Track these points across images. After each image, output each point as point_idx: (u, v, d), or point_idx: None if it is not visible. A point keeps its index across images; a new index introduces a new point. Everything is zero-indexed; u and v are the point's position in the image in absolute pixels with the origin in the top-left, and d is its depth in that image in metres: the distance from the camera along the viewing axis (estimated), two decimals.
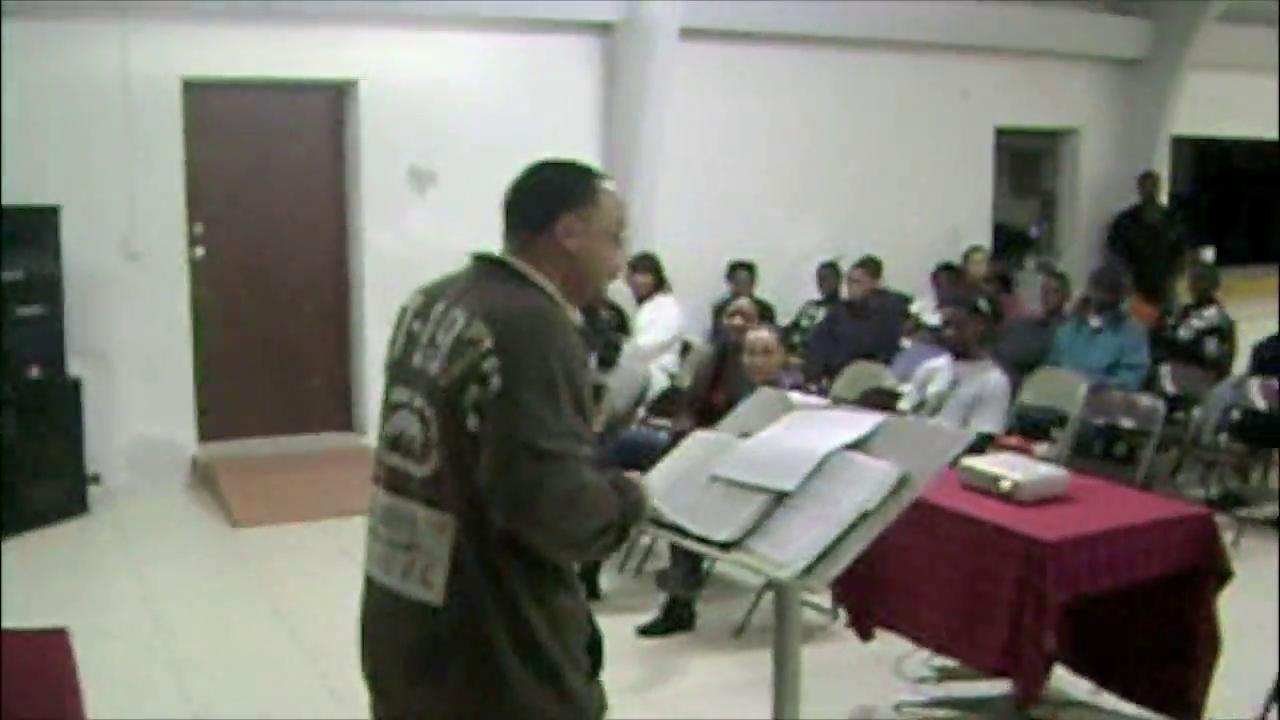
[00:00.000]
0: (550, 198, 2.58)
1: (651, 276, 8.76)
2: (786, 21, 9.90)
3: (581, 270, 2.58)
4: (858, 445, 2.88)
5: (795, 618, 3.04)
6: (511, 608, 2.42)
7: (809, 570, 2.65)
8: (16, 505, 7.19)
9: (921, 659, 5.10)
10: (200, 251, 8.60)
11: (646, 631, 5.78)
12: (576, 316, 2.60)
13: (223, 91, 8.50)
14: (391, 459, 2.55)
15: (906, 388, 6.82)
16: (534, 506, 2.32)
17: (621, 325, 7.40)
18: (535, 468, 2.32)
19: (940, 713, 5.01)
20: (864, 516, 2.70)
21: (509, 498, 2.33)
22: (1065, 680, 4.79)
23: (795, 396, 3.36)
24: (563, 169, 2.65)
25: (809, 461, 2.82)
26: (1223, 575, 4.42)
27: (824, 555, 2.66)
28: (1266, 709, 3.84)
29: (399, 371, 2.60)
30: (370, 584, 2.62)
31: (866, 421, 2.95)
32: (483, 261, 2.60)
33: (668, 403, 7.38)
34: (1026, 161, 12.37)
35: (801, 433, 2.98)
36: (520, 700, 2.43)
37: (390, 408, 2.60)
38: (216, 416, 8.72)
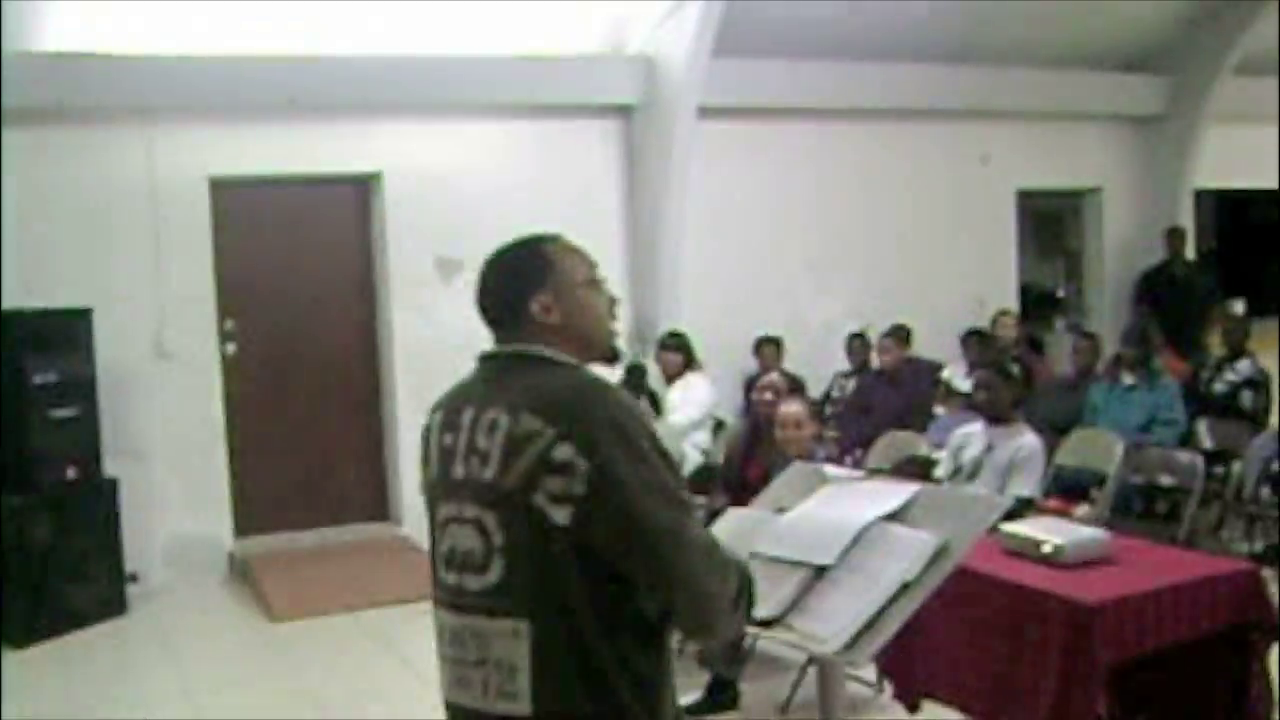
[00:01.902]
0: (510, 289, 2.53)
1: (681, 355, 8.76)
2: (802, 96, 9.97)
3: (578, 332, 2.53)
4: (895, 516, 2.86)
5: (839, 693, 3.01)
6: (609, 700, 2.33)
7: (851, 644, 2.62)
8: (56, 606, 7.22)
9: None
10: (232, 348, 8.67)
11: (691, 711, 5.70)
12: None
13: (249, 189, 8.61)
14: (449, 577, 2.45)
15: (941, 455, 6.77)
16: (686, 574, 2.28)
17: (652, 405, 7.42)
18: (670, 539, 2.27)
19: None
20: (905, 587, 2.67)
21: (661, 576, 2.29)
22: None
23: (829, 469, 3.35)
24: (507, 255, 2.59)
25: (846, 534, 2.80)
26: (1273, 631, 4.36)
27: (866, 628, 2.63)
28: None
29: (442, 488, 2.49)
30: (450, 709, 2.51)
31: (902, 492, 2.93)
32: (495, 359, 2.55)
33: (702, 481, 7.35)
34: (1050, 222, 12.37)
35: (837, 505, 2.96)
36: None
37: (439, 526, 2.50)
38: (252, 511, 8.74)
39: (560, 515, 2.27)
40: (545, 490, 2.28)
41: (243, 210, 8.66)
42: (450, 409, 2.52)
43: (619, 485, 2.27)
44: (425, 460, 2.56)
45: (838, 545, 2.78)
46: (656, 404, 7.49)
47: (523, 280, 2.53)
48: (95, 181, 8.03)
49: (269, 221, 8.85)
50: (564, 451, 2.28)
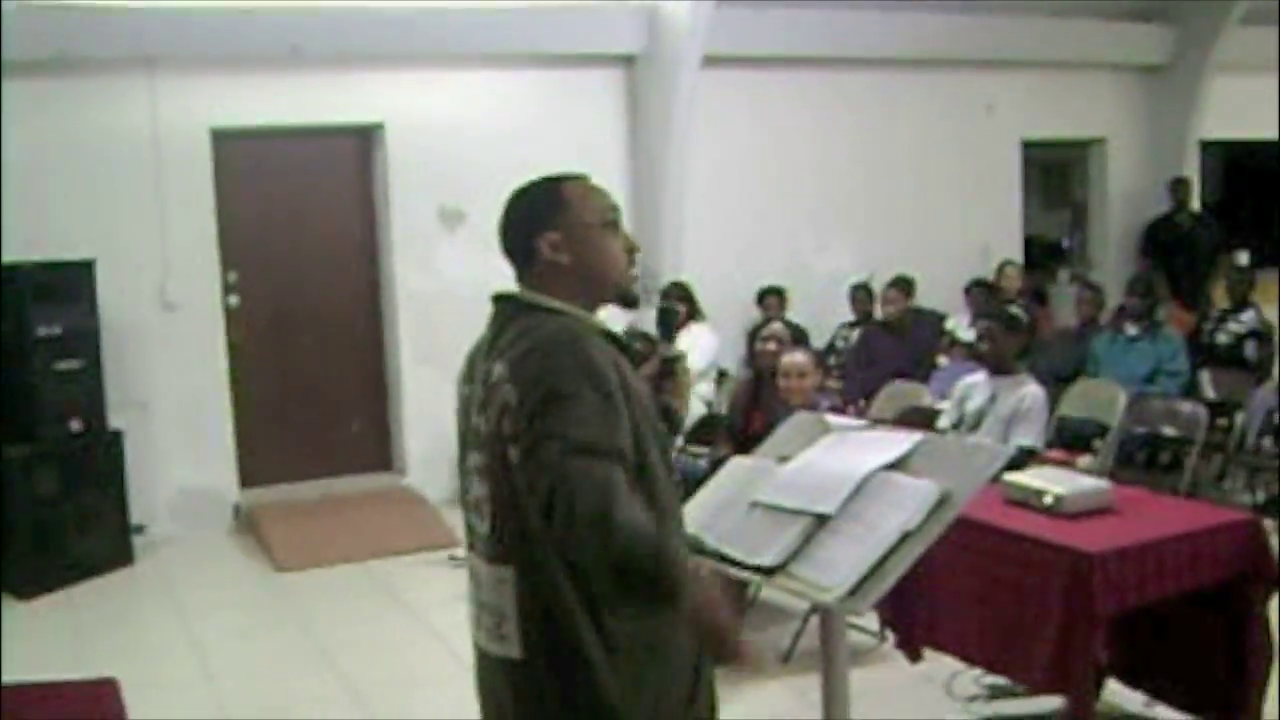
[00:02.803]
0: (522, 226, 2.57)
1: (684, 305, 8.76)
2: (807, 45, 9.91)
3: (588, 274, 2.54)
4: (897, 465, 2.87)
5: (842, 641, 3.03)
6: (576, 651, 2.39)
7: (853, 593, 2.64)
8: (63, 558, 7.26)
9: (972, 677, 5.08)
10: (235, 299, 8.67)
11: None
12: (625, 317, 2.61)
13: (251, 140, 8.58)
14: (472, 520, 2.56)
15: (944, 405, 6.78)
16: (567, 497, 2.21)
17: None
18: (560, 458, 2.24)
19: None
20: (906, 536, 2.69)
21: (544, 491, 2.24)
22: (1119, 694, 4.75)
23: (832, 419, 3.36)
24: (526, 192, 2.62)
25: (848, 483, 2.81)
26: (1273, 582, 4.38)
27: (868, 577, 2.65)
28: None
29: (466, 437, 2.57)
30: (474, 650, 2.64)
31: (904, 441, 2.94)
32: (501, 302, 2.59)
33: (706, 431, 7.36)
34: (1055, 173, 12.32)
35: (840, 455, 2.97)
36: None
37: (464, 474, 2.58)
38: (257, 462, 8.76)
39: (514, 454, 2.33)
40: (503, 431, 2.36)
41: (245, 161, 8.63)
42: (471, 359, 2.59)
43: (531, 417, 2.29)
44: (459, 410, 2.61)
45: (840, 494, 2.80)
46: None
47: (535, 218, 2.56)
48: (97, 133, 8.00)
49: (271, 172, 8.83)
50: (508, 392, 2.35)
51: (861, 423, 3.66)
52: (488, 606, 2.48)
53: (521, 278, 2.58)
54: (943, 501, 2.74)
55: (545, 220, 2.54)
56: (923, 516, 2.71)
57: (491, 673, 2.54)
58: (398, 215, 8.97)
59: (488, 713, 2.62)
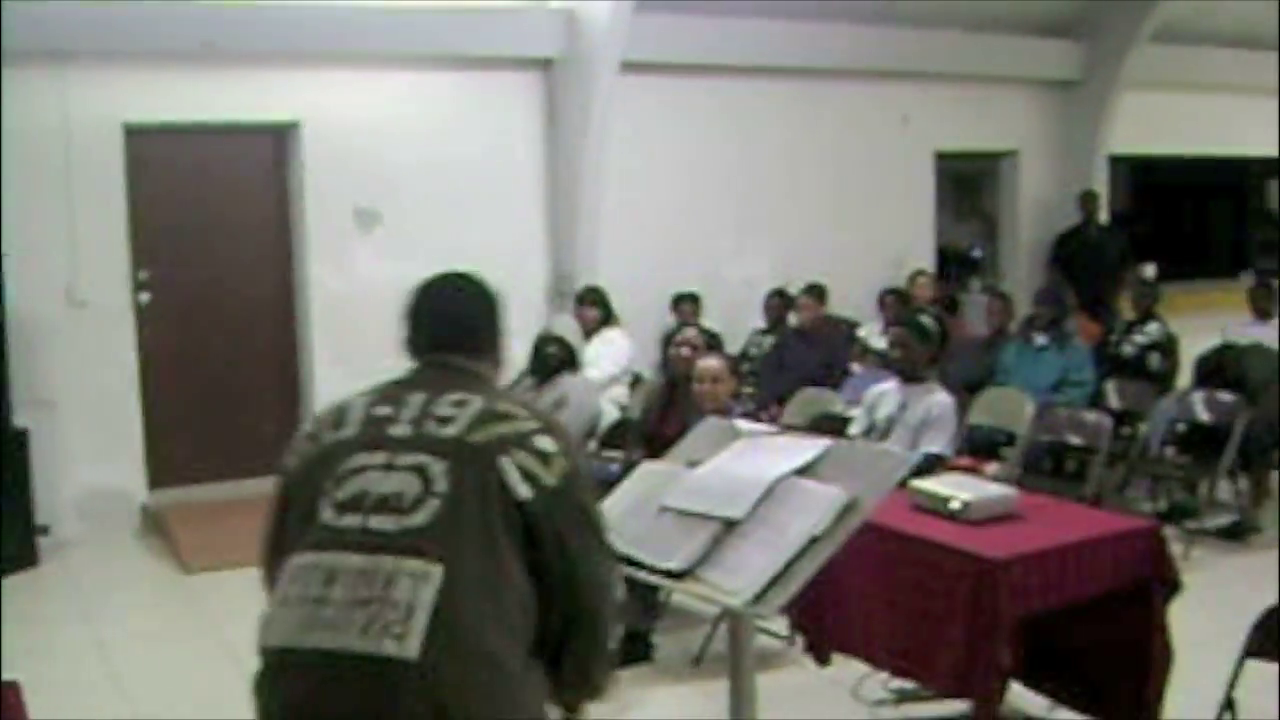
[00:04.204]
0: (486, 325, 2.78)
1: (599, 310, 8.78)
2: (725, 53, 9.97)
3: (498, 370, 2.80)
4: (805, 471, 2.91)
5: (749, 645, 3.06)
6: (495, 662, 2.38)
7: (760, 597, 2.67)
8: None
9: (879, 681, 5.12)
10: (146, 297, 8.56)
11: None
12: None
13: (164, 136, 8.48)
14: (345, 520, 2.45)
15: (856, 412, 6.85)
16: (606, 599, 2.56)
17: (570, 359, 7.42)
18: (607, 571, 2.59)
19: None
20: (813, 541, 2.72)
21: (597, 588, 2.54)
22: (1023, 698, 4.82)
23: (742, 424, 3.39)
24: (480, 288, 2.83)
25: (757, 488, 2.84)
26: (1172, 587, 4.47)
27: (775, 581, 2.68)
28: (1219, 718, 3.87)
29: (363, 442, 2.55)
30: (292, 653, 2.42)
31: (813, 447, 2.98)
32: (451, 369, 2.68)
33: (619, 435, 7.38)
34: (968, 185, 12.49)
35: (749, 460, 3.00)
36: None
37: (343, 476, 2.51)
38: (165, 463, 8.65)
39: (522, 489, 2.44)
40: (515, 460, 2.46)
41: (158, 157, 8.53)
42: (385, 394, 2.64)
43: (581, 507, 2.53)
44: (337, 423, 2.61)
45: (748, 499, 2.83)
46: (573, 359, 7.47)
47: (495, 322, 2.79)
48: (6, 126, 7.85)
49: (186, 169, 8.72)
50: (545, 442, 2.50)
51: (772, 428, 3.70)
52: (383, 601, 2.34)
53: (456, 356, 2.70)
54: (850, 507, 2.78)
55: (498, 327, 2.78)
56: (830, 521, 2.75)
57: (338, 676, 2.35)
58: (313, 215, 8.90)
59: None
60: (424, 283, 2.80)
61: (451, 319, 2.72)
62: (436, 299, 2.76)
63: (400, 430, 2.51)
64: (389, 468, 2.47)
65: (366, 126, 8.97)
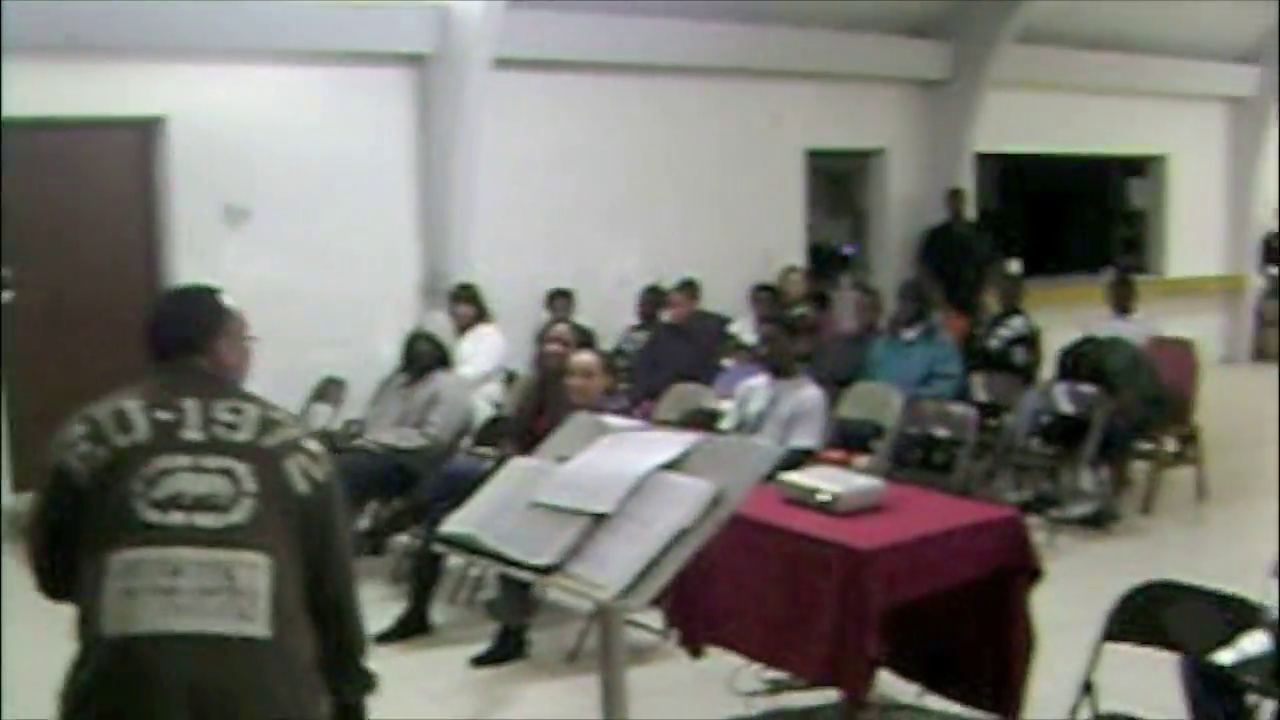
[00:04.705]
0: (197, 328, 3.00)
1: (472, 307, 8.74)
2: (598, 51, 9.99)
3: (243, 371, 3.04)
4: (673, 465, 2.93)
5: (620, 639, 3.08)
6: (299, 630, 2.72)
7: (628, 590, 2.68)
8: None
9: (754, 673, 5.17)
10: (8, 295, 8.35)
11: (480, 662, 5.76)
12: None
13: (26, 130, 8.25)
14: (172, 517, 2.66)
15: (727, 407, 6.91)
16: (355, 589, 2.94)
17: (441, 357, 7.38)
18: (350, 573, 2.92)
19: None
20: (681, 534, 2.74)
21: (350, 578, 2.91)
22: (892, 685, 4.90)
23: (611, 420, 3.41)
24: (192, 299, 3.18)
25: (625, 483, 2.86)
26: (1034, 574, 4.58)
27: (643, 574, 2.70)
28: (1077, 702, 3.97)
29: (161, 445, 2.74)
30: (163, 640, 2.59)
31: (680, 441, 3.00)
32: (197, 373, 2.93)
33: (493, 432, 7.37)
34: (839, 182, 12.64)
35: (617, 455, 3.02)
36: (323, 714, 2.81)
37: (152, 477, 2.70)
38: (31, 465, 8.44)
39: (301, 485, 2.77)
40: (295, 461, 2.78)
41: (20, 152, 8.28)
42: (156, 400, 2.85)
43: (339, 503, 2.87)
44: (126, 428, 2.82)
45: (616, 493, 2.85)
46: (445, 357, 7.43)
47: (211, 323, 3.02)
48: None
49: (48, 164, 8.51)
50: (313, 445, 2.85)
51: (640, 423, 3.72)
52: (234, 590, 2.62)
53: (183, 360, 2.97)
54: (717, 500, 2.81)
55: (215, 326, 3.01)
56: (697, 514, 2.77)
57: (193, 654, 2.58)
58: (181, 211, 8.74)
59: (155, 700, 2.58)
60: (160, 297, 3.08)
61: (178, 323, 3.05)
62: (164, 308, 3.18)
63: (193, 435, 2.75)
64: (197, 469, 2.71)
65: (236, 122, 8.83)
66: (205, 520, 2.65)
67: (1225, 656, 3.78)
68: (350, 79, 9.25)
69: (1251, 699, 3.88)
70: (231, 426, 2.78)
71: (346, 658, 2.90)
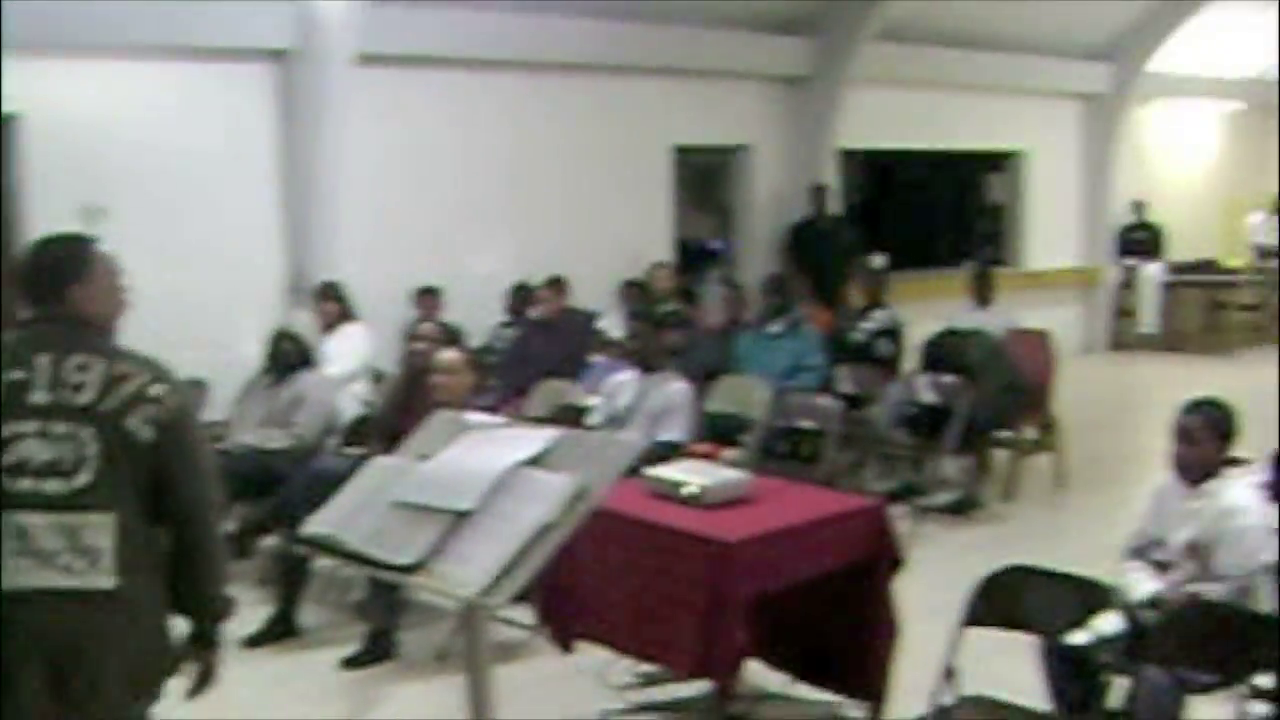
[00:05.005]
0: (54, 277, 3.03)
1: (337, 305, 8.64)
2: (464, 46, 9.94)
3: (110, 319, 3.11)
4: (536, 461, 2.94)
5: (485, 636, 3.08)
6: (147, 575, 2.94)
7: (491, 587, 2.69)
8: None
9: (625, 667, 5.20)
10: None
11: (350, 663, 5.72)
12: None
13: None
14: (21, 484, 2.87)
15: (595, 401, 6.93)
16: (213, 520, 3.08)
17: (305, 356, 7.30)
18: (213, 496, 3.06)
19: (645, 718, 5.12)
20: (543, 529, 2.75)
21: (207, 509, 3.03)
22: (762, 675, 4.96)
23: (472, 417, 3.40)
24: (52, 247, 3.13)
25: (486, 479, 2.86)
26: (895, 562, 4.67)
27: (506, 570, 2.70)
28: (938, 686, 4.06)
29: (9, 411, 2.89)
30: (18, 596, 2.85)
31: (542, 437, 3.01)
32: (60, 323, 3.01)
33: (360, 431, 7.31)
34: (706, 178, 12.72)
35: (479, 452, 3.02)
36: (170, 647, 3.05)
37: (6, 440, 2.88)
38: None
39: (145, 434, 2.92)
40: (138, 414, 2.91)
41: None
42: (14, 356, 2.96)
43: (191, 437, 3.00)
44: None
45: (478, 490, 2.85)
46: (307, 355, 7.34)
47: (66, 271, 3.05)
48: None
49: None
50: (158, 389, 2.96)
51: (502, 420, 3.72)
52: (79, 549, 2.85)
53: (47, 309, 3.03)
54: (580, 494, 2.82)
55: (76, 274, 3.04)
56: (560, 509, 2.78)
57: (68, 608, 2.85)
58: (36, 211, 8.50)
59: (26, 652, 2.85)
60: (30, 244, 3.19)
61: (36, 270, 3.06)
62: (28, 256, 3.12)
63: (40, 398, 2.90)
64: (44, 435, 2.88)
65: (92, 119, 8.62)
66: (52, 486, 2.86)
67: (1080, 637, 3.89)
68: (209, 76, 9.08)
69: (1106, 677, 4.01)
70: (77, 388, 2.90)
71: (203, 581, 3.05)
